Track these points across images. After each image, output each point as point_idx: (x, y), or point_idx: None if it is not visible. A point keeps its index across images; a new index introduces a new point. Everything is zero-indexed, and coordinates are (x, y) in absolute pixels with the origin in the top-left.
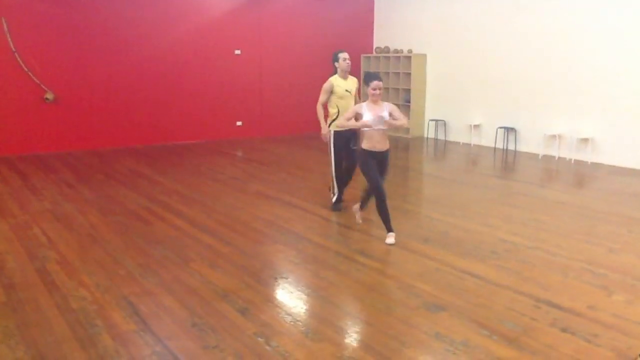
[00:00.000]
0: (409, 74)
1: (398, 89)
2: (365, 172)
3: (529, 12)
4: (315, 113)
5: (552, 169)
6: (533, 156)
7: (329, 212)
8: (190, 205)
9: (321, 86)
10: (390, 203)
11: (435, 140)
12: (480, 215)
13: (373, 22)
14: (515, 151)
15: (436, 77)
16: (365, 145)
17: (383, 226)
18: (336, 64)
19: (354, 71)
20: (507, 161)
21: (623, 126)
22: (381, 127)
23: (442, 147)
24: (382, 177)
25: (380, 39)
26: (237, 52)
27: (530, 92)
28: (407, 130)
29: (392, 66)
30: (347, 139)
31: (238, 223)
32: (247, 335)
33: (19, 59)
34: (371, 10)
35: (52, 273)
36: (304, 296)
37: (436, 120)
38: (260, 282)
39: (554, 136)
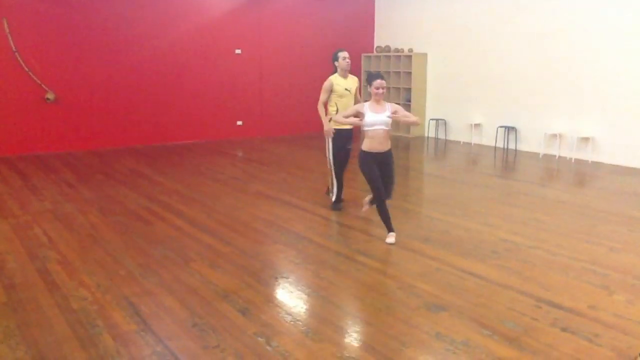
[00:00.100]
0: (410, 73)
1: (399, 88)
2: (364, 173)
3: (530, 12)
4: (317, 112)
5: (552, 168)
6: (533, 155)
7: (329, 212)
8: (190, 205)
9: (321, 86)
10: (390, 202)
11: (436, 139)
12: (480, 214)
13: (374, 22)
14: (515, 150)
15: (437, 76)
16: (364, 146)
17: (383, 225)
18: (336, 62)
19: (355, 71)
20: (508, 160)
21: (623, 125)
22: (383, 127)
23: (443, 147)
24: (390, 179)
25: (380, 38)
26: (238, 51)
27: (531, 92)
28: (407, 129)
29: (393, 65)
30: (347, 138)
31: (238, 223)
32: (247, 335)
33: (19, 59)
34: (372, 9)
35: (53, 273)
36: (304, 296)
37: (437, 120)
38: (260, 282)
39: (554, 135)
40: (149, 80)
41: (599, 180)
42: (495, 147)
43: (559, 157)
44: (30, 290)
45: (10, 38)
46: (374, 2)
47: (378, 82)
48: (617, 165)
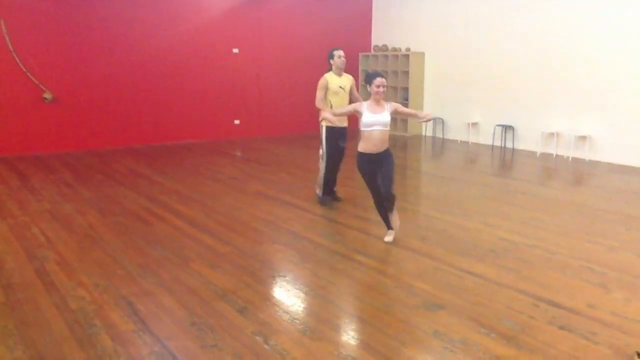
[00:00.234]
0: (407, 72)
1: (396, 88)
2: (362, 176)
3: (527, 10)
4: (315, 111)
5: (550, 166)
6: (531, 154)
7: (328, 212)
8: (189, 205)
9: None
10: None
11: (433, 138)
12: (478, 213)
13: (371, 21)
14: (513, 149)
15: (434, 75)
16: (360, 147)
17: (381, 225)
18: (331, 61)
19: (352, 70)
20: (505, 159)
21: (621, 124)
22: (381, 128)
23: (440, 145)
24: (388, 178)
25: (378, 38)
26: (235, 50)
27: (528, 90)
28: (405, 128)
29: (390, 64)
30: (341, 136)
31: (237, 223)
32: (245, 335)
33: (17, 58)
34: (369, 8)
35: (51, 273)
36: (302, 295)
37: (434, 118)
38: (259, 282)
39: (552, 134)
40: (147, 80)
41: (597, 179)
42: (492, 146)
43: (557, 155)
44: (28, 290)
45: (7, 38)
46: (371, 1)
47: (379, 80)
48: (615, 164)
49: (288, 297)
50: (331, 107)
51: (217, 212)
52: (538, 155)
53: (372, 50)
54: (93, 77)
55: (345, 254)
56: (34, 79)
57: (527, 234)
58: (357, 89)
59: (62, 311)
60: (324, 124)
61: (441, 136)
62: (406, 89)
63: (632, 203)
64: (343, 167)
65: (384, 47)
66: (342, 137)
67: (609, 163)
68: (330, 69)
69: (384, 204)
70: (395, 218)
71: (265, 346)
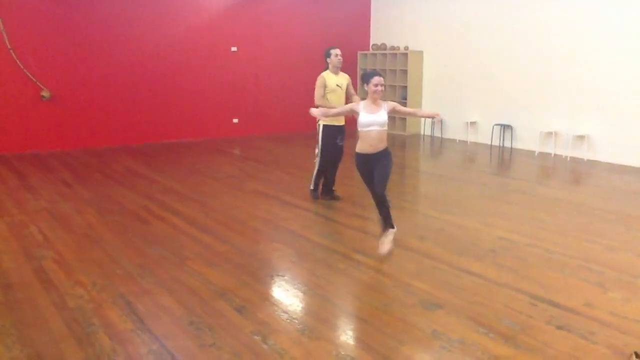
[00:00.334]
0: (406, 71)
1: (395, 86)
2: (360, 176)
3: (526, 10)
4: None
5: (548, 166)
6: (529, 153)
7: (326, 211)
8: (187, 204)
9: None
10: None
11: (432, 137)
12: (477, 212)
13: (370, 19)
14: (511, 148)
15: (433, 74)
16: (357, 147)
17: (380, 224)
18: (328, 59)
19: (351, 68)
20: (504, 158)
21: (619, 123)
22: (377, 128)
23: (439, 145)
24: (382, 177)
25: (377, 36)
26: (234, 49)
27: (527, 90)
28: (403, 127)
29: (389, 63)
30: (338, 134)
31: (235, 222)
32: (244, 334)
33: (15, 56)
34: (368, 7)
35: (49, 272)
36: (300, 294)
37: (433, 118)
38: (257, 281)
39: (550, 133)
40: (145, 79)
41: (595, 178)
42: (491, 145)
43: (555, 155)
44: (26, 290)
45: (5, 36)
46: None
47: (377, 79)
48: (613, 164)
49: (287, 296)
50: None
51: (216, 211)
52: (536, 154)
53: (370, 49)
54: (91, 76)
55: (344, 253)
56: (32, 77)
57: (526, 234)
58: (355, 89)
59: (61, 310)
60: (321, 123)
61: (439, 135)
62: (405, 88)
63: (630, 202)
64: (342, 166)
65: (383, 46)
66: (340, 136)
67: (607, 163)
68: (327, 68)
69: (377, 207)
70: (387, 240)
71: (264, 345)
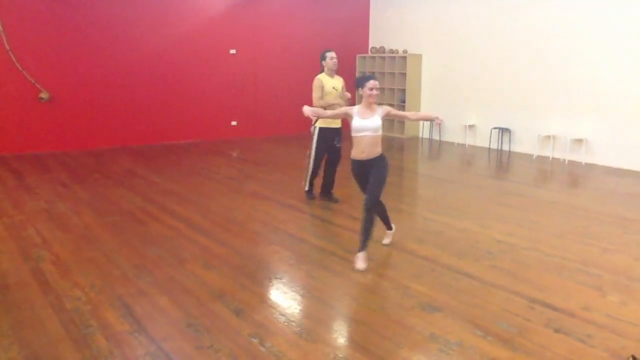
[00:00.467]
0: (404, 74)
1: (393, 89)
2: (356, 183)
3: (525, 14)
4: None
5: (546, 169)
6: (527, 157)
7: (324, 213)
8: (185, 205)
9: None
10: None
11: (430, 140)
12: (475, 215)
13: (368, 23)
14: (509, 152)
15: (431, 77)
16: (352, 153)
17: (378, 226)
18: (323, 62)
19: (349, 71)
20: (502, 162)
21: (617, 127)
22: (370, 133)
23: (437, 148)
24: (374, 184)
25: (375, 39)
26: (232, 51)
27: (525, 93)
28: (401, 130)
29: (388, 66)
30: (334, 136)
31: (233, 223)
32: (241, 336)
33: (13, 57)
34: (367, 10)
35: (47, 273)
36: (298, 297)
37: (431, 121)
38: (254, 283)
39: (548, 137)
40: (144, 80)
41: (593, 182)
42: (489, 149)
43: (553, 158)
44: (23, 291)
45: (4, 37)
46: (369, 2)
47: (372, 82)
48: (611, 167)
49: (284, 298)
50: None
51: (213, 212)
52: (534, 157)
53: (369, 52)
54: (90, 77)
55: (342, 255)
56: (30, 78)
57: (524, 236)
58: (354, 98)
59: (58, 311)
60: (317, 125)
61: (438, 138)
62: (403, 91)
63: (627, 206)
64: (339, 168)
65: (381, 49)
66: (337, 137)
67: (605, 166)
68: (322, 71)
69: (362, 216)
70: (361, 259)
71: (262, 348)
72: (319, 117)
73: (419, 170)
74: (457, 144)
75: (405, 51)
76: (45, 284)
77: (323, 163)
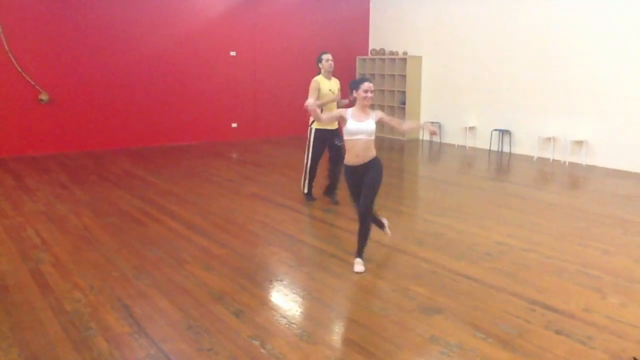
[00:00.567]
0: (404, 76)
1: (393, 91)
2: (347, 188)
3: (525, 15)
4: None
5: (546, 171)
6: (528, 158)
7: (324, 214)
8: (185, 206)
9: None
10: (384, 205)
11: (430, 142)
12: (475, 217)
13: (368, 24)
14: (510, 153)
15: (431, 79)
16: (345, 158)
17: (377, 229)
18: (320, 64)
19: (349, 73)
20: (502, 163)
21: (617, 129)
22: (364, 137)
23: (437, 149)
24: (368, 190)
25: (375, 41)
26: (232, 53)
27: (525, 95)
28: (402, 132)
29: (388, 68)
30: (333, 136)
31: (233, 225)
32: (241, 338)
33: (12, 59)
34: (367, 12)
35: (46, 275)
36: (298, 299)
37: (431, 123)
38: (255, 285)
39: (548, 139)
40: (143, 82)
41: (593, 183)
42: (489, 150)
43: (553, 160)
44: (23, 292)
45: (3, 37)
46: (369, 4)
47: (366, 84)
48: (611, 169)
49: (285, 300)
50: (321, 110)
51: (213, 214)
52: (535, 159)
53: (369, 54)
54: (89, 79)
55: (342, 257)
56: (29, 80)
57: (523, 238)
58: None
59: (57, 313)
60: (313, 126)
61: (438, 140)
62: (403, 93)
63: (627, 207)
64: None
65: (381, 51)
66: (337, 137)
67: (605, 168)
68: (319, 73)
69: (358, 224)
70: (359, 263)
71: (262, 350)
72: (315, 120)
73: (419, 172)
74: (458, 145)
75: (405, 53)
76: (44, 286)
77: (327, 163)
